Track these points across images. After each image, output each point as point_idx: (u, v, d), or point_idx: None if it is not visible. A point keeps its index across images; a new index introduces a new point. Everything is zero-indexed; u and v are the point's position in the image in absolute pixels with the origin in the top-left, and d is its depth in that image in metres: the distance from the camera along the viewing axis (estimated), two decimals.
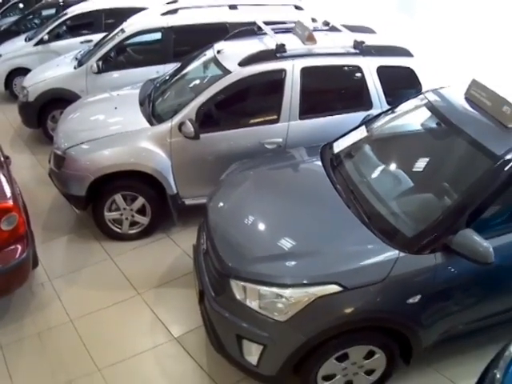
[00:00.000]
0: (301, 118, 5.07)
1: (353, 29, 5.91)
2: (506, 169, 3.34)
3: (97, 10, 9.04)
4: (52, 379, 3.85)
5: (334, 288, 3.12)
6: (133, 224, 5.26)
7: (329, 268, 3.20)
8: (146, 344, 4.10)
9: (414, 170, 3.89)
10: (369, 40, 5.54)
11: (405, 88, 5.33)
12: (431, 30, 9.06)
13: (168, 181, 5.03)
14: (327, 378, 3.48)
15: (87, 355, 4.02)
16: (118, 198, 5.08)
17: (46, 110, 7.39)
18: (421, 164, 3.96)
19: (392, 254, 3.24)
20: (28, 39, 9.38)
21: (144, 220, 5.23)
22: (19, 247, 4.09)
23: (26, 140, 7.90)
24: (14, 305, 4.52)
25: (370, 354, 3.47)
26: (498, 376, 2.72)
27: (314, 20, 6.25)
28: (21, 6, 12.77)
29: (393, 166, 4.00)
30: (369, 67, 5.23)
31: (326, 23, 5.95)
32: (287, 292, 3.14)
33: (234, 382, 3.77)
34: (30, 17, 11.34)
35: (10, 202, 4.04)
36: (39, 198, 5.99)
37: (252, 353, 3.36)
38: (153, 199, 5.13)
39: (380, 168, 4.00)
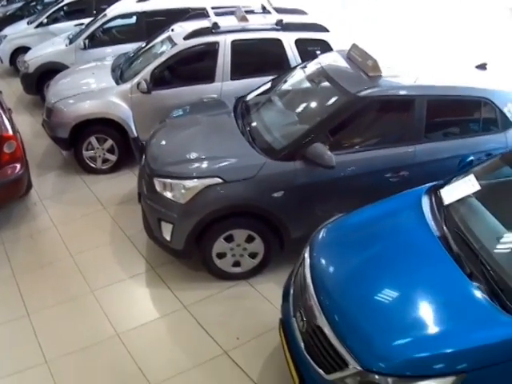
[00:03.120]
0: (232, 79, 6.45)
1: (287, 11, 7.30)
2: (355, 102, 4.55)
3: None
4: (38, 261, 5.30)
5: (217, 180, 4.41)
6: (104, 161, 6.74)
7: (215, 166, 4.53)
8: (105, 239, 5.54)
9: (296, 108, 5.13)
10: (296, 20, 6.94)
11: None
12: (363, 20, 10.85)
13: (130, 126, 6.49)
14: (220, 256, 4.66)
15: (63, 246, 5.48)
16: (93, 139, 6.57)
17: (43, 80, 8.54)
18: (301, 104, 5.21)
19: (262, 159, 4.50)
20: (30, 22, 10.58)
21: (113, 157, 6.72)
22: (17, 166, 5.58)
23: (25, 105, 9.30)
24: (14, 216, 6.02)
25: (251, 239, 4.58)
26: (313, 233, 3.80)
27: (263, 7, 7.50)
28: None
29: (280, 106, 5.26)
30: (288, 40, 6.54)
31: (263, 7, 7.34)
32: (187, 182, 4.47)
33: (161, 263, 5.09)
34: (33, 3, 12.58)
35: (11, 132, 5.57)
36: (36, 146, 7.43)
37: (167, 231, 4.57)
38: (119, 141, 6.61)
39: (271, 108, 5.30)
